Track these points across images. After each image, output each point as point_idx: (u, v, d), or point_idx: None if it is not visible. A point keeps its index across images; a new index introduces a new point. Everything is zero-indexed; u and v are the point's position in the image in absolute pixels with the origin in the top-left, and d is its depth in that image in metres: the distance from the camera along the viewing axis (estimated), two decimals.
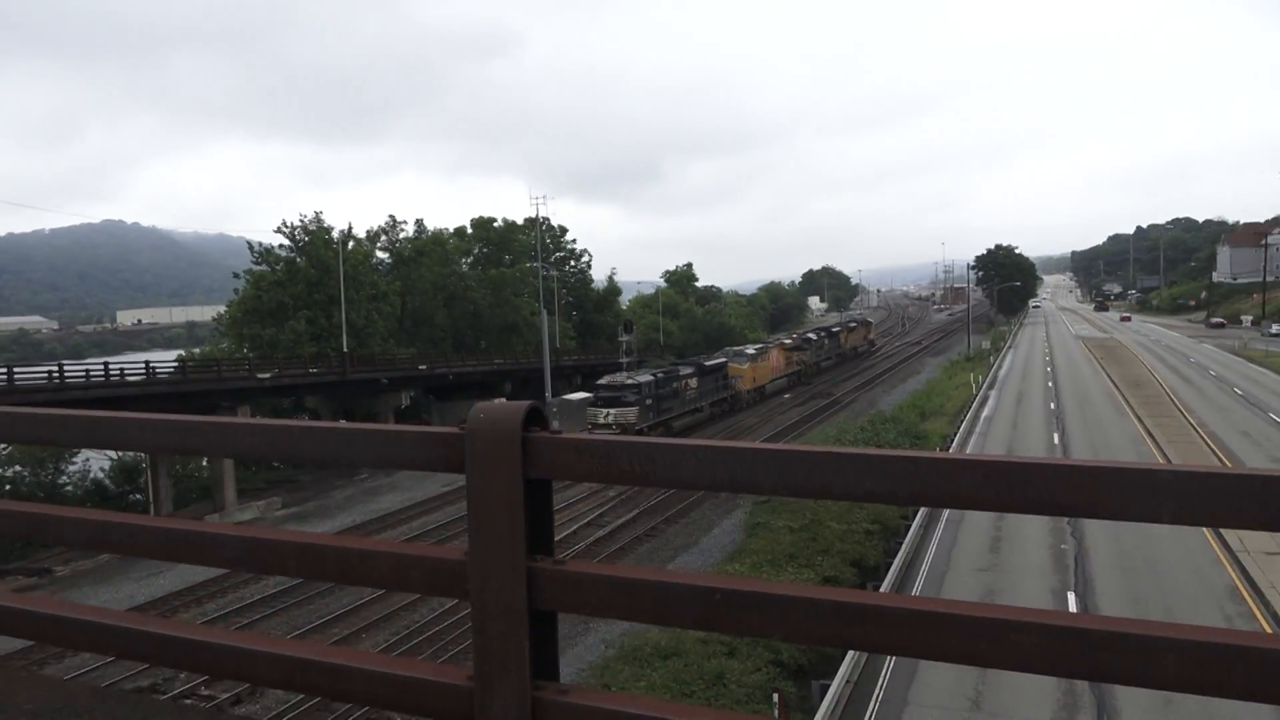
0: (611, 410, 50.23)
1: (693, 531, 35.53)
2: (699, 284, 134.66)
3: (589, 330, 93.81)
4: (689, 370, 59.65)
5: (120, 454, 53.39)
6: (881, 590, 21.19)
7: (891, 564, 23.26)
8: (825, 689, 16.31)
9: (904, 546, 24.60)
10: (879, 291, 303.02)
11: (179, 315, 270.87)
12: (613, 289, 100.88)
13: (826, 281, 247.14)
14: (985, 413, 50.18)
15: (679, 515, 37.97)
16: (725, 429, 59.39)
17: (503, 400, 2.30)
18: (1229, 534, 25.44)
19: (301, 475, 56.74)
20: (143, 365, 43.59)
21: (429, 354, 66.31)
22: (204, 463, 54.66)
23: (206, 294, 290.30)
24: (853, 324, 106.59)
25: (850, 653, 17.84)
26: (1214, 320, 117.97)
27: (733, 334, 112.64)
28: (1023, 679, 17.20)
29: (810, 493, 1.95)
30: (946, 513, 29.89)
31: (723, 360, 66.59)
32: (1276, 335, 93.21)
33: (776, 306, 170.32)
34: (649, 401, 52.03)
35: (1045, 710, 16.05)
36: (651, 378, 53.57)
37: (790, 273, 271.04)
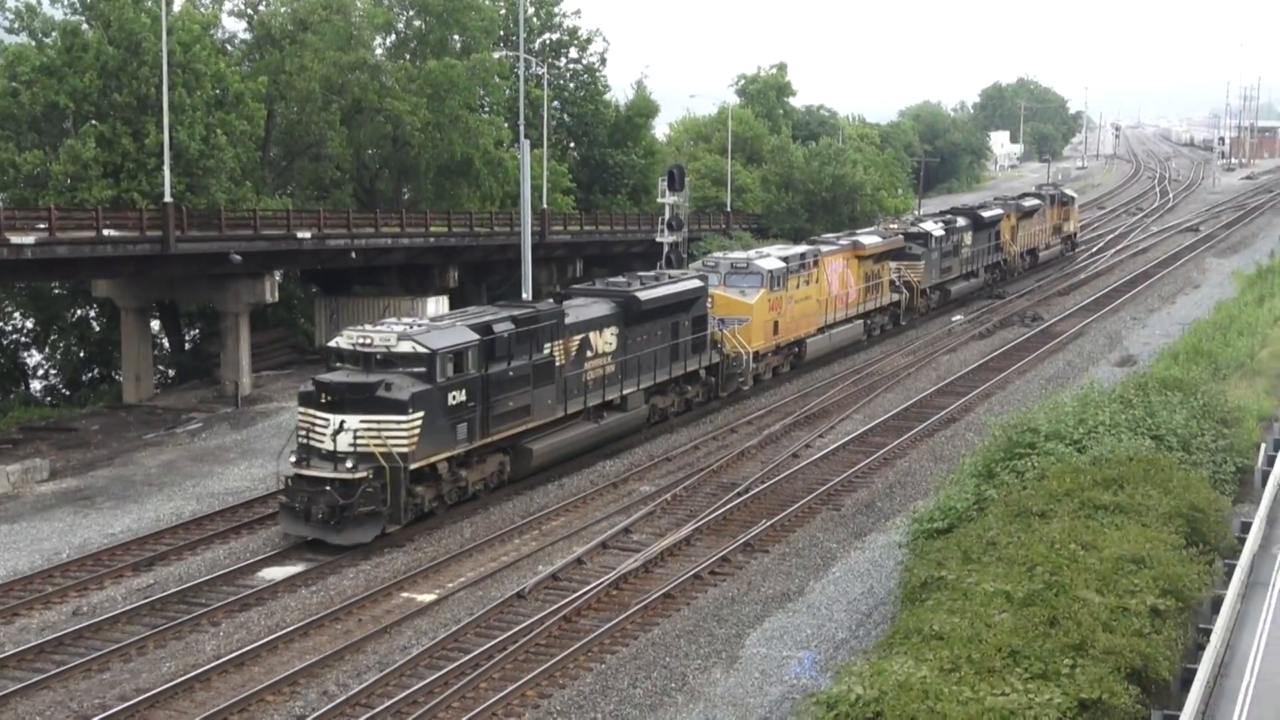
0: (354, 420, 26.61)
1: (793, 567, 26.12)
2: (797, 104, 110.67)
3: (599, 179, 75.07)
4: (605, 310, 36.17)
5: None
6: None
7: (1194, 675, 16.38)
8: None
9: (1213, 641, 17.38)
10: (1119, 129, 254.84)
11: None
12: (643, 104, 78.87)
13: (1024, 106, 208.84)
14: None
15: (771, 536, 27.80)
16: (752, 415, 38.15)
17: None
18: None
19: (92, 419, 45.57)
20: None
21: (316, 212, 52.37)
22: None
23: None
24: (1030, 202, 75.70)
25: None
26: None
27: (856, 194, 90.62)
28: None
29: None
30: (1277, 573, 22.63)
31: (698, 284, 40.59)
32: None
33: (933, 148, 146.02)
34: (455, 397, 28.01)
35: None
36: (473, 337, 29.24)
37: (961, 91, 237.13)
